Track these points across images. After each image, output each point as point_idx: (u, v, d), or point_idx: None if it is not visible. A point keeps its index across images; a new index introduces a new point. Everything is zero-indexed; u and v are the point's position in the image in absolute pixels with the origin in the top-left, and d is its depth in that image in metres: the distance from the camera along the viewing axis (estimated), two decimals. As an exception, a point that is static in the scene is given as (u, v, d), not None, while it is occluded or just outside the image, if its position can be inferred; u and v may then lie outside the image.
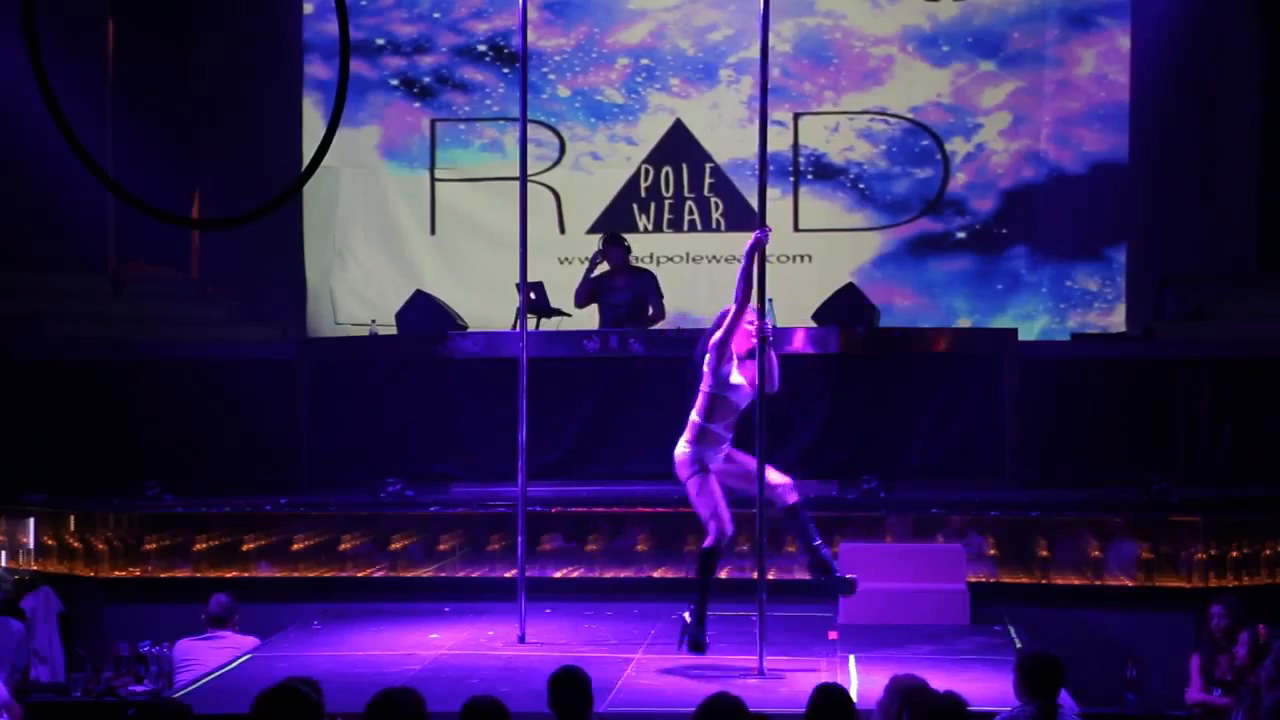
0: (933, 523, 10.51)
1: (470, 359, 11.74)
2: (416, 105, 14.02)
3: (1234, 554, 10.16)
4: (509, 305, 11.36)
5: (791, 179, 13.67)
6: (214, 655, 8.76)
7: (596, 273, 12.21)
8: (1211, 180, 13.23)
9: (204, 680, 8.18)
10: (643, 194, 13.77)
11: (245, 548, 10.76)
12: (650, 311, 12.15)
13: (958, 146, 13.62)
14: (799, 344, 11.35)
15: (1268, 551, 10.17)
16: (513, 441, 8.84)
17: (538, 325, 11.91)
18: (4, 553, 11.08)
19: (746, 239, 8.08)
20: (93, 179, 12.01)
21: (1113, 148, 13.41)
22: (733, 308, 8.12)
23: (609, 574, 10.59)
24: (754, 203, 10.50)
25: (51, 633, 10.38)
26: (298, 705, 5.19)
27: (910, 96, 13.63)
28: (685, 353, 11.66)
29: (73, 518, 11.06)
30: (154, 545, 10.82)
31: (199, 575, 10.68)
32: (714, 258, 13.41)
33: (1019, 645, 8.68)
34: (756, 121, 8.27)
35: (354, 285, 13.91)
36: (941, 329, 12.76)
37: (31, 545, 11.05)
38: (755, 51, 8.48)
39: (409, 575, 10.69)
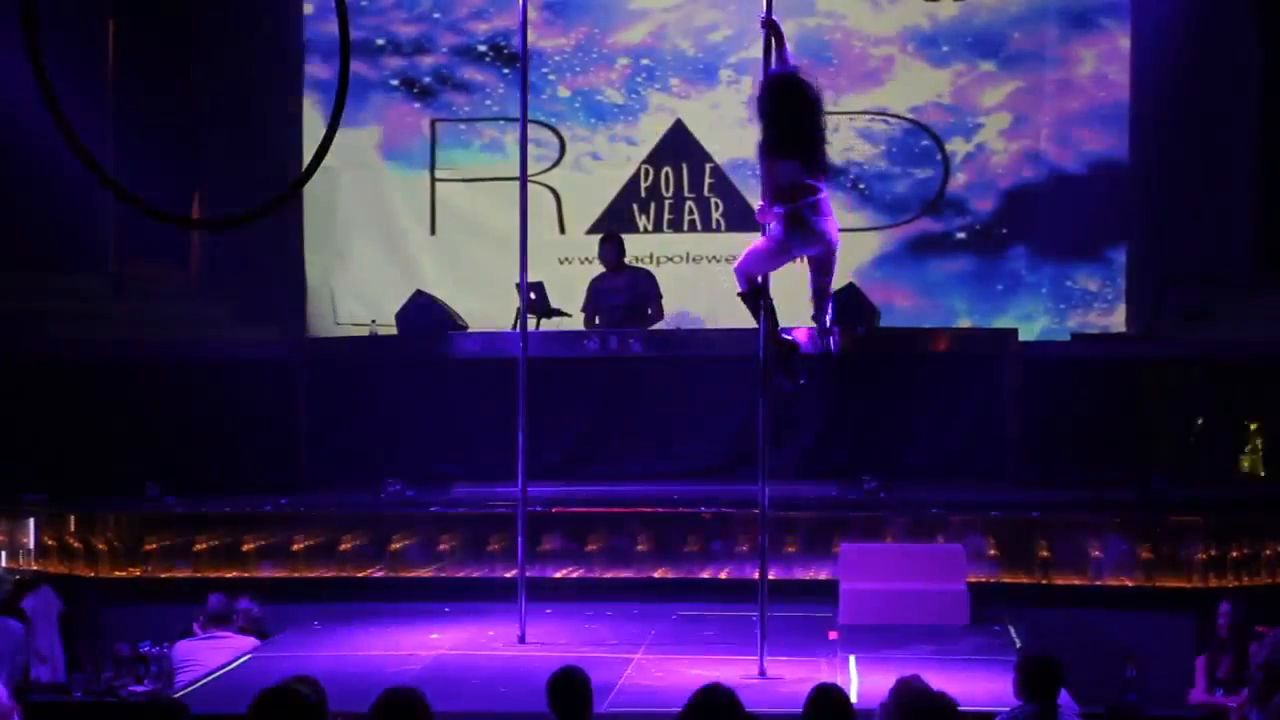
0: (933, 523, 10.51)
1: (470, 359, 11.74)
2: (417, 105, 14.03)
3: (1234, 554, 10.17)
4: (509, 305, 11.36)
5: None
6: (214, 656, 8.76)
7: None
8: (1211, 180, 13.22)
9: (204, 680, 8.18)
10: (643, 194, 13.77)
11: (245, 548, 10.76)
12: (649, 311, 12.16)
13: (958, 147, 13.61)
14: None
15: (1268, 552, 10.17)
16: (513, 441, 8.84)
17: (538, 325, 11.91)
18: (4, 553, 11.08)
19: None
20: (93, 179, 11.99)
21: (1113, 148, 13.40)
22: None
23: (609, 574, 10.58)
24: (754, 203, 10.47)
25: (51, 633, 10.38)
26: (295, 707, 5.18)
27: (910, 97, 13.63)
28: (685, 353, 11.79)
29: (73, 518, 11.06)
30: (154, 545, 10.82)
31: (199, 575, 10.68)
32: (714, 258, 13.39)
33: (1019, 645, 8.68)
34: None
35: (354, 285, 13.91)
36: (941, 329, 12.77)
37: (32, 545, 11.05)
38: (755, 51, 8.49)
39: (409, 575, 10.68)
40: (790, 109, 7.82)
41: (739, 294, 8.14)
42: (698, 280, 13.34)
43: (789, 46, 8.06)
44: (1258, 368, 11.77)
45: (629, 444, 11.65)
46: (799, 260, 8.06)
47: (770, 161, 7.86)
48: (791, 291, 11.30)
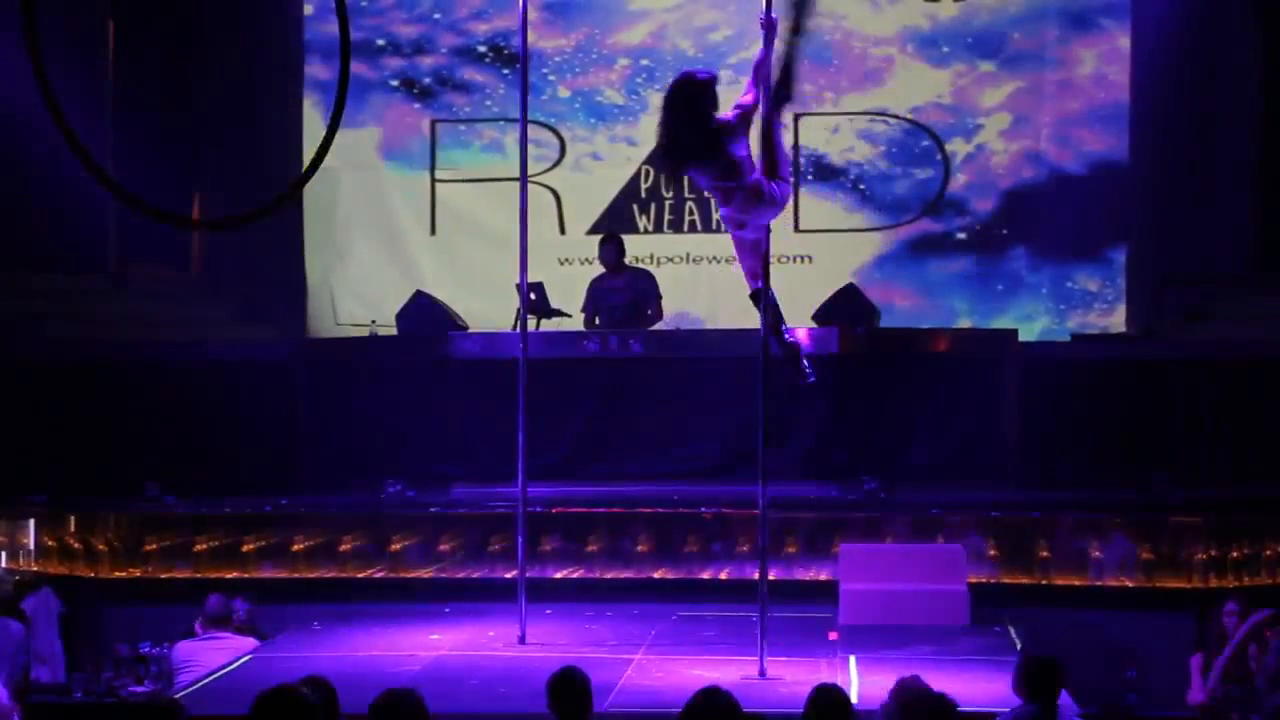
0: (933, 523, 10.51)
1: (470, 359, 11.74)
2: (417, 106, 14.03)
3: (1234, 555, 10.17)
4: (509, 305, 11.36)
5: (792, 180, 13.64)
6: (214, 657, 8.75)
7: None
8: (1211, 180, 13.22)
9: (204, 681, 8.18)
10: (643, 194, 13.77)
11: (245, 548, 10.76)
12: (649, 312, 12.16)
13: (958, 147, 13.61)
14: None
15: (1268, 552, 10.17)
16: (513, 442, 8.83)
17: (538, 325, 11.90)
18: (4, 553, 11.08)
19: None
20: (93, 179, 12.00)
21: (1113, 148, 13.41)
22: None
23: (609, 574, 10.58)
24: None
25: (52, 633, 10.37)
26: (295, 708, 5.17)
27: (910, 97, 13.63)
28: (685, 353, 11.79)
29: (73, 518, 11.06)
30: (154, 545, 10.82)
31: (199, 575, 10.68)
32: (714, 258, 13.39)
33: (1019, 645, 8.68)
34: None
35: (354, 285, 13.92)
36: (941, 329, 12.76)
37: (32, 546, 11.05)
38: (755, 51, 8.49)
39: (409, 576, 10.68)
40: (668, 121, 7.89)
41: (750, 295, 8.16)
42: (698, 280, 13.35)
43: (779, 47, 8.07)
44: (1258, 368, 11.77)
45: (629, 444, 11.64)
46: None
47: (673, 174, 7.96)
48: (791, 292, 11.37)
